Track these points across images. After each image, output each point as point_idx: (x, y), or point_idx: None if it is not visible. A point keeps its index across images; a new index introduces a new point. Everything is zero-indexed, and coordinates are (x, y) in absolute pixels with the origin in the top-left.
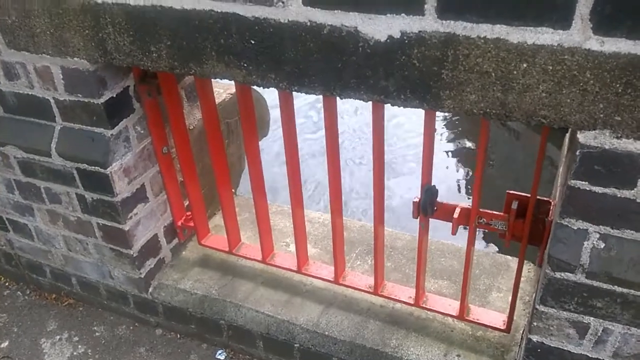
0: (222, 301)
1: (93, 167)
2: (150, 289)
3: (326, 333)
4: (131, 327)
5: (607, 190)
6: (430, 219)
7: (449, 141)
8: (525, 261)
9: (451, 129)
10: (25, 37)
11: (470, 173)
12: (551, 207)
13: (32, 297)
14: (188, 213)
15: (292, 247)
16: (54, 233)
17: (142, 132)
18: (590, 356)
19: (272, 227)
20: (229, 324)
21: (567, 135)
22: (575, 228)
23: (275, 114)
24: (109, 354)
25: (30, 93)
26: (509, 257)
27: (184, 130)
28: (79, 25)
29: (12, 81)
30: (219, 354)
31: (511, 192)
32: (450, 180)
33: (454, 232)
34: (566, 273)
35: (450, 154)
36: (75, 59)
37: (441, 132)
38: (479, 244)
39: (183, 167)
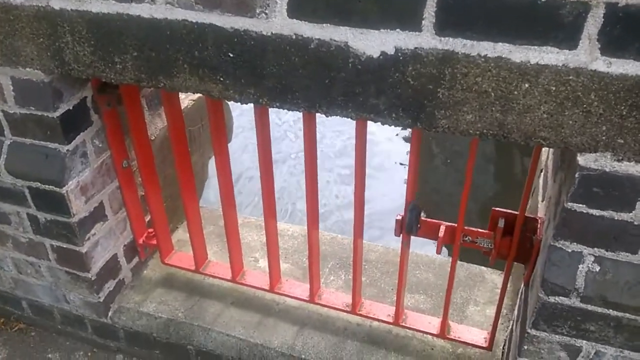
0: (189, 325)
1: (47, 186)
2: (110, 313)
3: (302, 356)
4: (89, 354)
5: (605, 213)
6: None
7: (406, 141)
8: (501, 272)
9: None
10: None
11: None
12: (539, 225)
13: None
14: (150, 230)
15: (262, 263)
16: (1, 255)
17: (100, 145)
18: None
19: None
20: (197, 349)
21: (548, 150)
22: (570, 251)
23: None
24: None
25: None
26: (483, 267)
27: (147, 141)
28: (32, 33)
29: None
30: None
31: (497, 209)
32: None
33: (438, 251)
34: (560, 297)
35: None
36: (28, 69)
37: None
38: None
39: (145, 181)
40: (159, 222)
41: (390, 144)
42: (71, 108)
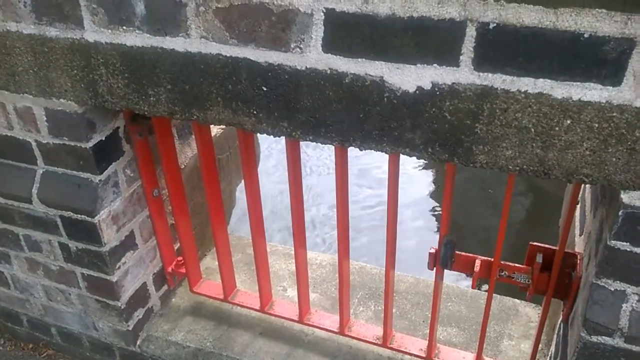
0: (218, 354)
1: (79, 216)
2: (139, 342)
3: None
4: None
5: None
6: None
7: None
8: (535, 305)
9: None
10: (5, 75)
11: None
12: (578, 260)
13: (7, 347)
14: (179, 258)
15: (290, 292)
16: (32, 282)
17: (131, 175)
18: None
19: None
20: None
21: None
22: (613, 289)
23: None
24: None
25: (9, 134)
26: (516, 300)
27: (177, 170)
28: (66, 65)
29: None
30: None
31: (535, 243)
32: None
33: (474, 286)
34: (603, 337)
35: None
36: (62, 100)
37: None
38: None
39: (175, 209)
40: (188, 250)
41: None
42: (104, 139)
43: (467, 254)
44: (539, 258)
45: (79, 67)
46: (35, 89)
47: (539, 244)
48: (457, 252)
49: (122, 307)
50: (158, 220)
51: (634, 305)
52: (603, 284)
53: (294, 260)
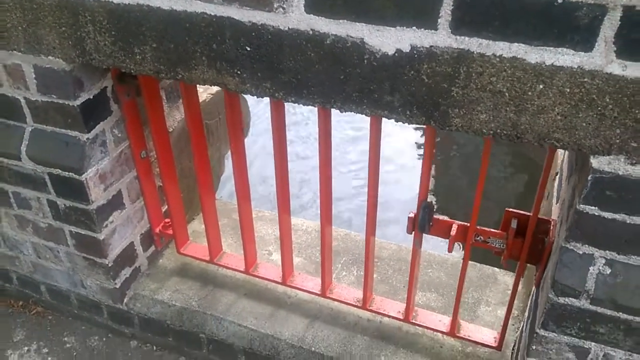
0: (203, 314)
1: (67, 173)
2: (126, 300)
3: (312, 349)
4: (104, 338)
5: (617, 216)
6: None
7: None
8: (513, 273)
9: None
10: None
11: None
12: (551, 227)
13: None
14: (166, 219)
15: (275, 256)
16: (22, 239)
17: (119, 135)
18: None
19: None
20: (209, 337)
21: (564, 153)
22: (581, 253)
23: (255, 112)
24: None
25: None
26: (495, 269)
27: (165, 133)
28: (55, 22)
29: None
30: None
31: (510, 209)
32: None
33: (450, 250)
34: (570, 298)
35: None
36: (50, 57)
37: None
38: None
39: (163, 172)
40: (175, 212)
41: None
42: (92, 97)
43: (445, 219)
44: (514, 224)
45: (67, 25)
46: (24, 46)
47: (514, 210)
48: (435, 217)
49: (110, 265)
50: (146, 181)
51: (600, 268)
52: (572, 247)
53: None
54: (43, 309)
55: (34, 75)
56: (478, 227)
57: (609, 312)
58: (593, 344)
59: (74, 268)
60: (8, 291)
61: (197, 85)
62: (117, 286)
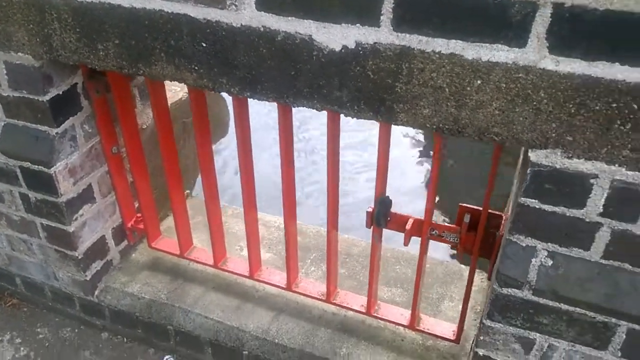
0: (171, 306)
1: (37, 167)
2: (97, 292)
3: (276, 340)
4: (76, 330)
5: (557, 209)
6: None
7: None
8: (479, 270)
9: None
10: None
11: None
12: (503, 222)
13: None
14: (139, 215)
15: (246, 252)
16: None
17: (90, 130)
18: None
19: (227, 231)
20: (176, 329)
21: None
22: (524, 245)
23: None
24: (52, 357)
25: None
26: (462, 266)
27: (135, 130)
28: (23, 19)
29: None
30: (166, 359)
31: (464, 204)
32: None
33: (406, 243)
34: (513, 289)
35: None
36: (20, 54)
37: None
38: (441, 252)
39: (133, 168)
40: (146, 207)
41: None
42: (61, 93)
43: (401, 214)
44: (467, 218)
45: (34, 22)
46: None
47: (467, 205)
48: (392, 211)
49: (80, 258)
50: (117, 176)
51: (542, 260)
52: (515, 239)
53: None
54: (18, 300)
55: (5, 71)
56: (433, 222)
57: (550, 303)
58: (537, 334)
59: (47, 260)
60: None
61: (174, 84)
62: (88, 278)
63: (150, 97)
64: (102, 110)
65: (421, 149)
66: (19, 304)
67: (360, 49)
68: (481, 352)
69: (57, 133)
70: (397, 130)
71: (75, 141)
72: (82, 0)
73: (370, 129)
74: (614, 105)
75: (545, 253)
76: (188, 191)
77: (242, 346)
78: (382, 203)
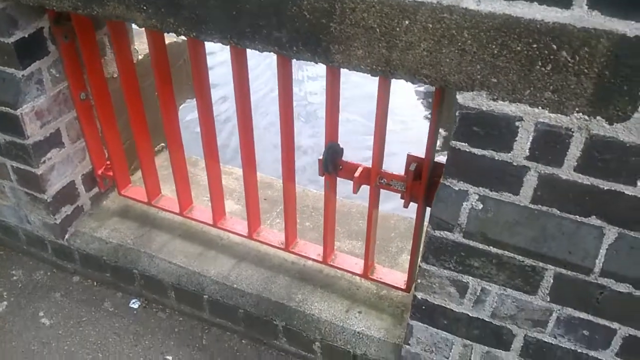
0: (137, 251)
1: (3, 108)
2: (67, 236)
3: (235, 286)
4: (49, 273)
5: (486, 153)
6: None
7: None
8: None
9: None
10: None
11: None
12: None
13: None
14: (109, 162)
15: None
16: None
17: (57, 75)
18: (471, 315)
19: (200, 182)
20: (141, 273)
21: None
22: (457, 189)
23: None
24: (24, 298)
25: None
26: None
27: (102, 78)
28: None
29: None
30: (133, 302)
31: (411, 154)
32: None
33: (354, 191)
34: (445, 232)
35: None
36: None
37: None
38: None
39: (101, 116)
40: (115, 155)
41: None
42: (26, 36)
43: (351, 162)
44: (412, 167)
45: None
46: None
47: (414, 155)
48: (343, 160)
49: (49, 201)
50: (86, 123)
51: (473, 204)
52: (449, 183)
53: (228, 177)
54: None
55: None
56: (382, 171)
57: (480, 245)
58: (470, 278)
59: (19, 203)
60: None
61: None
62: (57, 222)
63: (113, 46)
64: (69, 56)
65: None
66: None
67: None
68: (419, 295)
69: (23, 75)
70: (409, 87)
71: (42, 84)
72: None
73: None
74: (535, 45)
75: (477, 197)
76: (163, 144)
77: (203, 290)
78: (331, 149)
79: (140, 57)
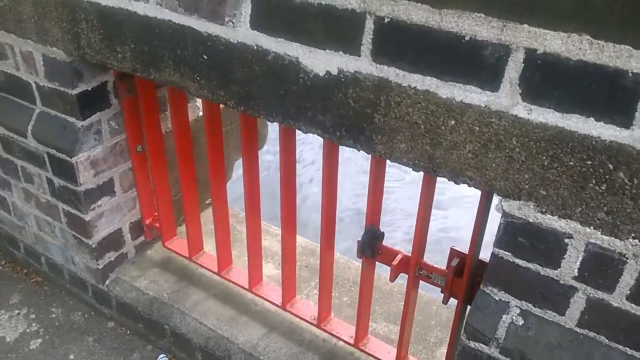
0: (170, 306)
1: (61, 155)
2: (107, 282)
3: (261, 357)
4: (86, 315)
5: (531, 266)
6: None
7: None
8: None
9: None
10: (14, 21)
11: None
12: None
13: (6, 268)
14: (157, 213)
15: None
16: (27, 211)
17: (116, 127)
18: None
19: (244, 241)
20: (172, 329)
21: None
22: (497, 299)
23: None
24: (58, 338)
25: (16, 74)
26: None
27: (159, 133)
28: (58, 17)
29: (2, 60)
30: (161, 357)
31: (454, 248)
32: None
33: (391, 279)
34: (480, 344)
35: None
36: (54, 48)
37: None
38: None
39: (154, 169)
40: (162, 206)
41: None
42: (90, 89)
43: (392, 247)
44: (454, 262)
45: (67, 20)
46: (35, 36)
47: (458, 249)
48: (383, 244)
49: (94, 246)
50: (140, 174)
51: (513, 317)
52: (489, 291)
53: (272, 238)
54: (42, 279)
55: (42, 63)
56: (422, 261)
57: None
58: None
59: (66, 244)
60: (17, 257)
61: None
62: (100, 267)
63: (169, 104)
64: (130, 110)
65: None
66: (42, 282)
67: (342, 76)
68: None
69: (82, 125)
70: None
71: (100, 135)
72: (106, 5)
73: None
74: (589, 162)
75: (518, 311)
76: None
77: (229, 357)
78: (368, 233)
79: (200, 114)
